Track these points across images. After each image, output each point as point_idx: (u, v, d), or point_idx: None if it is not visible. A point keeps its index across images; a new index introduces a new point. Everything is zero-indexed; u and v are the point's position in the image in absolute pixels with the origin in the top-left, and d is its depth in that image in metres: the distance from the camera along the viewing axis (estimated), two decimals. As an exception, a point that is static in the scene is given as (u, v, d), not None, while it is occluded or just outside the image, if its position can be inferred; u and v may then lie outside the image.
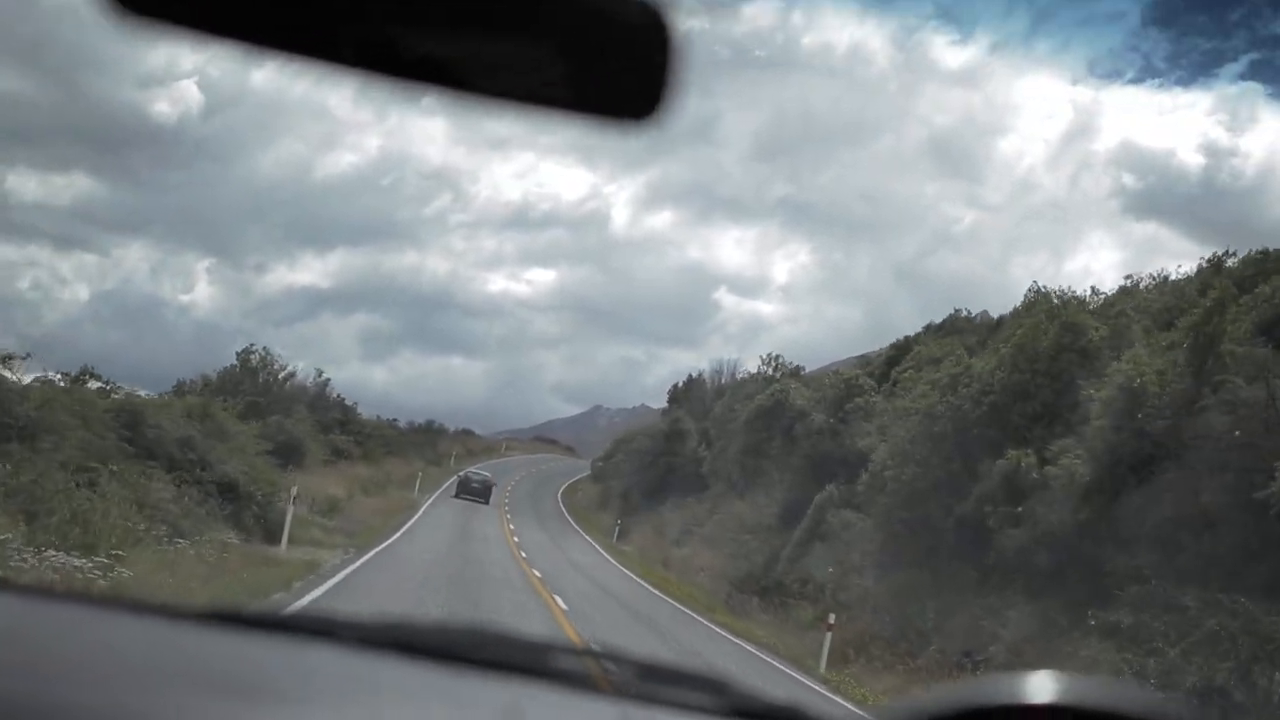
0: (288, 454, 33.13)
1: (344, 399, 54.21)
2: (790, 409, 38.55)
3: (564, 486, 65.62)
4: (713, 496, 43.03)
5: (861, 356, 46.21)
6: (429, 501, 42.60)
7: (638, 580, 31.25)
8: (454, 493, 46.28)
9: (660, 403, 65.52)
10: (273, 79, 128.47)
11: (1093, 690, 1.24)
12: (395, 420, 64.72)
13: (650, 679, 1.47)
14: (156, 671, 1.25)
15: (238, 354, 44.66)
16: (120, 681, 1.18)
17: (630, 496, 52.12)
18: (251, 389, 40.59)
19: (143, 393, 25.71)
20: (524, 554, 28.96)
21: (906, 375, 30.46)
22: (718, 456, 45.16)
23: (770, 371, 48.72)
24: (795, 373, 47.74)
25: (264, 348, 45.26)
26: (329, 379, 51.92)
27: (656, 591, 28.94)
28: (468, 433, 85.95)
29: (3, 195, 75.41)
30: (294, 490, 22.71)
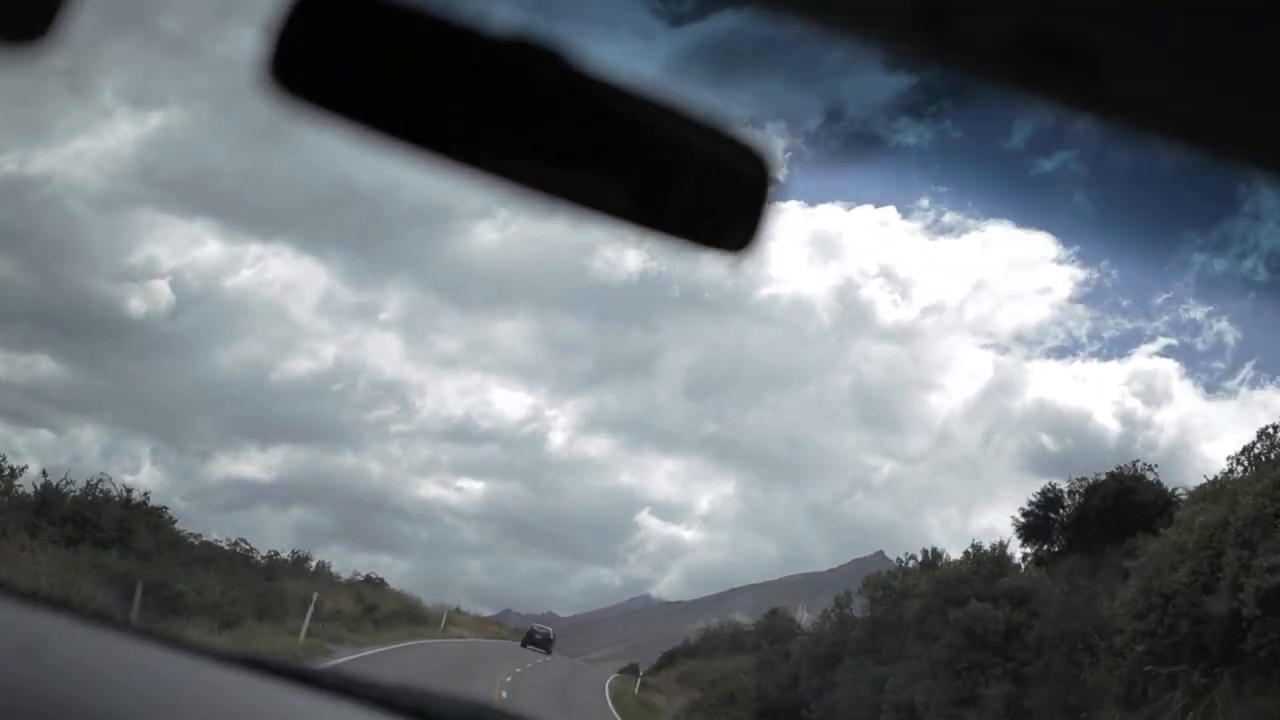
0: None
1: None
2: None
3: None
4: None
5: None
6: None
7: None
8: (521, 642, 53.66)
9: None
10: (244, 285, 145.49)
11: None
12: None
13: None
14: (184, 705, 1.28)
15: None
16: (151, 711, 1.22)
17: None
18: None
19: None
20: None
21: None
22: None
23: None
24: None
25: None
26: None
27: None
28: (378, 584, 48.00)
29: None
30: None
